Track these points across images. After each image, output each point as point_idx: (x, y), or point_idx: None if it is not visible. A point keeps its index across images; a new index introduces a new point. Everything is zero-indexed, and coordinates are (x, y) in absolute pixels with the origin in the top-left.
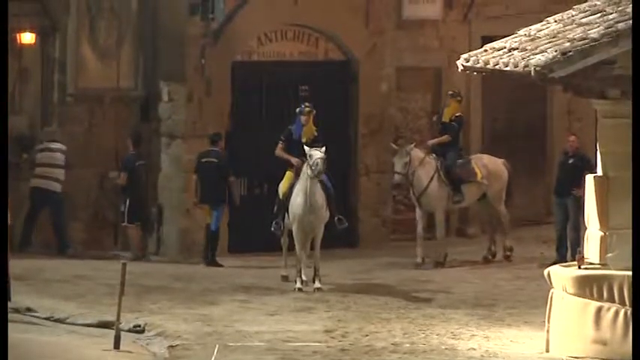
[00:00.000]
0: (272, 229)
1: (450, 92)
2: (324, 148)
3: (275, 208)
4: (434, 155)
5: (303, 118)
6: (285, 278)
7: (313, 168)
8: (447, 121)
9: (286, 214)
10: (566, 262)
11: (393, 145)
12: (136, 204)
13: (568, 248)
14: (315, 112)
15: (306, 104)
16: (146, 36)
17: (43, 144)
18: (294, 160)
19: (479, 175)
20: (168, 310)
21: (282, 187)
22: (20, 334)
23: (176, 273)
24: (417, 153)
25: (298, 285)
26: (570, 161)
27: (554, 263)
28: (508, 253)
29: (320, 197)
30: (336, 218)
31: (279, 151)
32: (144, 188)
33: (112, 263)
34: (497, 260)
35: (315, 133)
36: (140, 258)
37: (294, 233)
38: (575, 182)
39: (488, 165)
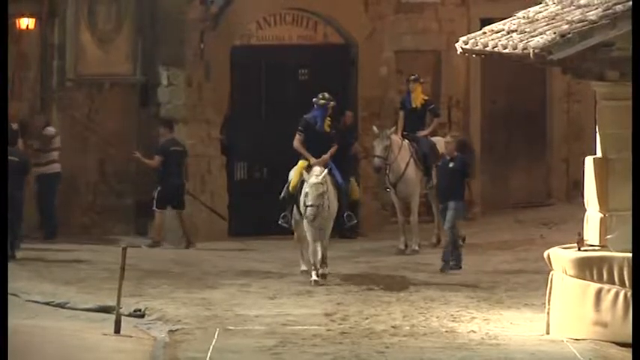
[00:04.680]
0: (279, 222)
1: (413, 77)
2: (323, 174)
3: (282, 194)
4: (407, 140)
5: (325, 111)
6: (305, 273)
7: (308, 215)
8: (417, 106)
9: (295, 208)
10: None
11: (375, 129)
12: (168, 190)
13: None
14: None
15: (327, 96)
16: (145, 21)
17: (51, 128)
18: (313, 162)
19: None
20: (169, 295)
21: (293, 180)
22: (21, 320)
23: (176, 257)
24: (395, 138)
25: (314, 277)
26: (450, 165)
27: (442, 271)
28: (460, 243)
29: (331, 193)
30: (345, 214)
31: (297, 144)
32: (180, 174)
33: (112, 248)
34: (500, 244)
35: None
36: (158, 245)
37: (305, 228)
38: (456, 186)
39: (445, 148)
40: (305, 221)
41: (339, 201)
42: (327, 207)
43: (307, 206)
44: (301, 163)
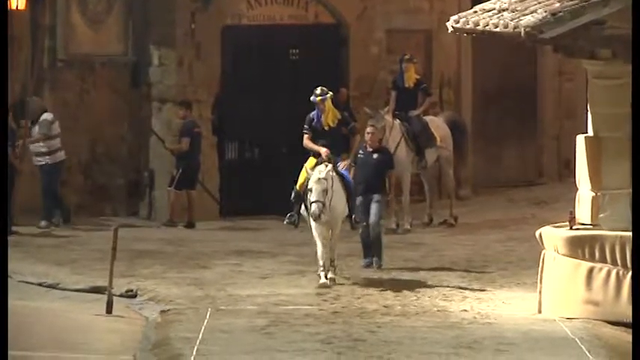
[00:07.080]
0: (285, 222)
1: (406, 57)
2: (327, 170)
3: (292, 195)
4: (398, 120)
5: (320, 107)
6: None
7: (312, 212)
8: (409, 86)
9: (303, 207)
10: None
11: (367, 110)
12: (189, 171)
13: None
14: (330, 96)
15: (318, 92)
16: (136, 0)
17: (49, 114)
18: (324, 153)
19: (438, 140)
20: (160, 275)
21: (300, 178)
22: (13, 301)
23: (167, 237)
24: (387, 118)
25: (323, 280)
26: (375, 156)
27: (368, 266)
28: (452, 222)
29: (339, 193)
30: (353, 217)
31: (307, 142)
32: (199, 155)
33: (104, 228)
34: (492, 223)
35: (339, 116)
36: (174, 225)
37: (312, 229)
38: (381, 178)
39: (441, 128)
40: (311, 219)
41: (348, 204)
42: (333, 205)
43: (311, 202)
44: (310, 161)
